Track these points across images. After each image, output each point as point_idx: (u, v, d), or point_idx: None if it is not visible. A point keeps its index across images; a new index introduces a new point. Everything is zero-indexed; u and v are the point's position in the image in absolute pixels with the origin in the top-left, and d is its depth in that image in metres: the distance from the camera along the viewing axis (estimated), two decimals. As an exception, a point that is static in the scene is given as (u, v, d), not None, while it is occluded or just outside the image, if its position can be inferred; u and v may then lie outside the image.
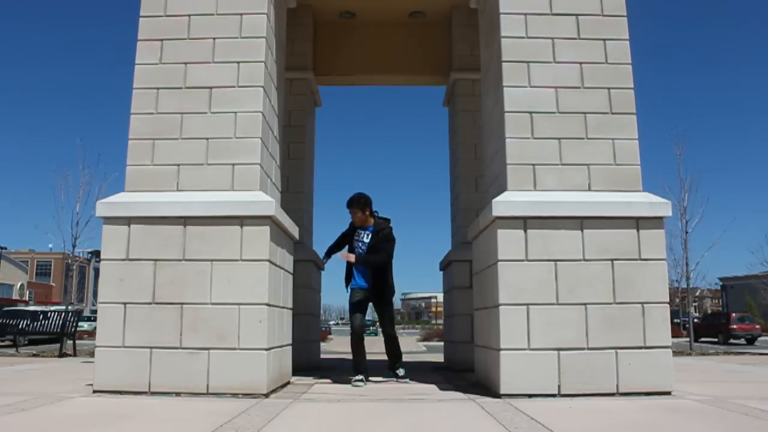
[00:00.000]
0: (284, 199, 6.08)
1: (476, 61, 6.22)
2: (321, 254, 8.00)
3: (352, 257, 5.58)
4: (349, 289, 5.65)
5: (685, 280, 14.80)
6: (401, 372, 5.62)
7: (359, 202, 5.62)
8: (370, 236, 5.60)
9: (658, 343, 4.42)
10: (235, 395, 4.30)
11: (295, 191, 7.49)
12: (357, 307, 5.57)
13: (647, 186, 4.73)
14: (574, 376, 4.32)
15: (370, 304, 5.73)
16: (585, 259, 4.49)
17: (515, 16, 4.90)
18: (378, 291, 5.58)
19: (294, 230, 5.47)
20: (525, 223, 4.53)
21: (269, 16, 5.07)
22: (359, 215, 5.62)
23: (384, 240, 5.59)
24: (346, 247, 5.80)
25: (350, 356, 5.50)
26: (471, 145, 7.48)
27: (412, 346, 19.96)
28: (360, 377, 5.24)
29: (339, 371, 6.79)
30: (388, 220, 5.74)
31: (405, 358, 6.34)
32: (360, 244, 5.63)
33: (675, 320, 29.31)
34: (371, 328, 45.59)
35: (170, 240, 4.54)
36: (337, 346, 18.11)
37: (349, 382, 5.23)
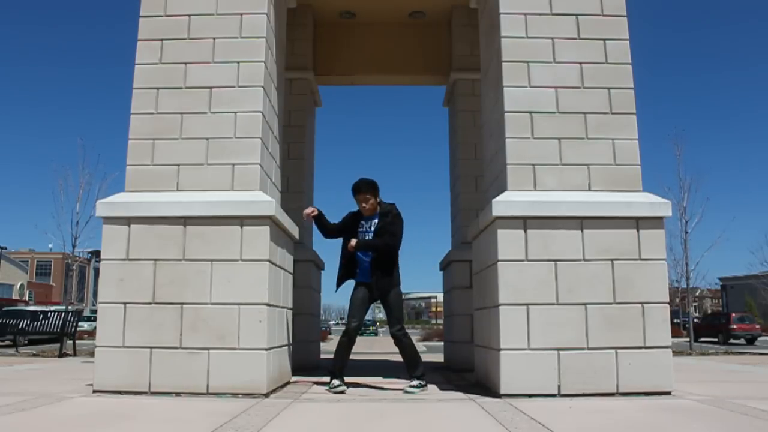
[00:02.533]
0: (284, 199, 6.08)
1: (476, 61, 6.22)
2: (321, 254, 8.04)
3: (353, 242, 4.88)
4: (354, 282, 5.04)
5: (685, 280, 14.82)
6: (414, 382, 4.76)
7: (369, 186, 4.93)
8: (376, 224, 4.96)
9: (658, 343, 4.42)
10: (235, 395, 4.30)
11: (295, 191, 7.49)
12: (358, 305, 4.92)
13: (647, 186, 4.74)
14: (574, 376, 4.32)
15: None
16: (585, 259, 4.49)
17: (515, 16, 4.90)
18: (381, 284, 4.87)
19: (294, 230, 5.47)
20: (525, 223, 4.53)
21: (269, 16, 5.07)
22: (371, 202, 4.94)
23: (391, 222, 4.91)
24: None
25: (350, 356, 5.32)
26: (471, 145, 7.49)
27: (412, 346, 19.94)
28: (338, 382, 4.72)
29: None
30: (393, 204, 5.06)
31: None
32: (366, 234, 4.97)
33: (675, 320, 29.33)
34: (371, 328, 45.59)
35: (170, 240, 4.54)
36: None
37: (352, 385, 5.07)
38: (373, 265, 4.90)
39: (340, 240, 5.15)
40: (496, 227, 4.55)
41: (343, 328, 5.09)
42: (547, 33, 4.88)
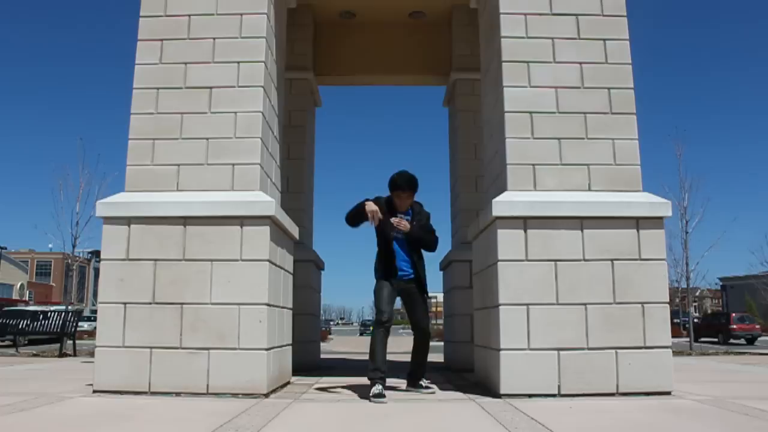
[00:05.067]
0: (284, 199, 6.08)
1: (476, 61, 6.22)
2: (321, 254, 8.04)
3: (405, 224, 4.61)
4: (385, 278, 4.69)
5: (685, 280, 14.83)
6: (424, 382, 4.78)
7: (414, 185, 4.70)
8: (410, 221, 4.73)
9: (658, 343, 4.42)
10: (235, 395, 4.30)
11: (295, 191, 7.49)
12: (388, 299, 4.61)
13: (647, 186, 4.74)
14: (574, 376, 4.32)
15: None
16: (585, 259, 4.49)
17: (515, 16, 4.90)
18: (420, 279, 4.76)
19: (294, 230, 5.47)
20: (525, 223, 4.53)
21: (269, 16, 5.07)
22: (412, 199, 4.77)
23: (428, 221, 4.83)
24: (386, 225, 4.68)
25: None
26: (471, 145, 7.49)
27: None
28: (380, 388, 4.26)
29: (339, 371, 6.79)
30: (421, 204, 4.90)
31: (405, 357, 6.15)
32: (398, 233, 4.71)
33: (675, 320, 29.32)
34: (371, 327, 45.61)
35: (170, 240, 4.54)
36: (337, 346, 18.12)
37: (352, 386, 5.04)
38: (414, 261, 4.73)
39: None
40: (496, 227, 4.55)
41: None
42: (547, 33, 4.88)
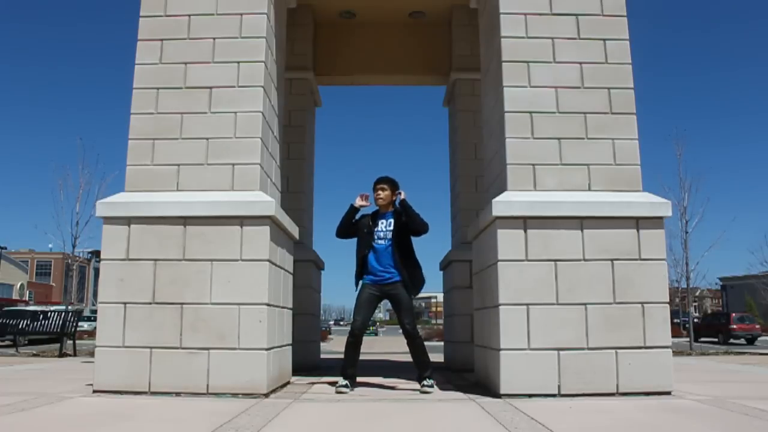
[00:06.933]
0: (284, 199, 6.08)
1: (476, 61, 6.22)
2: (321, 254, 8.04)
3: (403, 194, 5.01)
4: (360, 284, 5.02)
5: (685, 280, 14.81)
6: (427, 382, 4.75)
7: (389, 180, 5.13)
8: (392, 222, 5.01)
9: (658, 343, 4.42)
10: (235, 395, 4.30)
11: (295, 191, 7.49)
12: (364, 304, 4.93)
13: (647, 186, 4.74)
14: (574, 376, 4.32)
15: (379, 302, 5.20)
16: (585, 259, 4.49)
17: (515, 16, 4.90)
18: (416, 282, 4.94)
19: (294, 230, 5.47)
20: (525, 223, 4.53)
21: (269, 16, 5.07)
22: (387, 193, 5.08)
23: (413, 209, 4.99)
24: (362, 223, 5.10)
25: None
26: (471, 145, 7.49)
27: (412, 346, 19.90)
28: (346, 383, 4.72)
29: (339, 371, 6.78)
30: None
31: (404, 358, 6.18)
32: (381, 233, 5.00)
33: (675, 320, 29.31)
34: (371, 328, 45.65)
35: (170, 240, 4.54)
36: (337, 346, 18.11)
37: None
38: (400, 264, 4.90)
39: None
40: (496, 227, 4.55)
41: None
42: (547, 33, 4.88)
